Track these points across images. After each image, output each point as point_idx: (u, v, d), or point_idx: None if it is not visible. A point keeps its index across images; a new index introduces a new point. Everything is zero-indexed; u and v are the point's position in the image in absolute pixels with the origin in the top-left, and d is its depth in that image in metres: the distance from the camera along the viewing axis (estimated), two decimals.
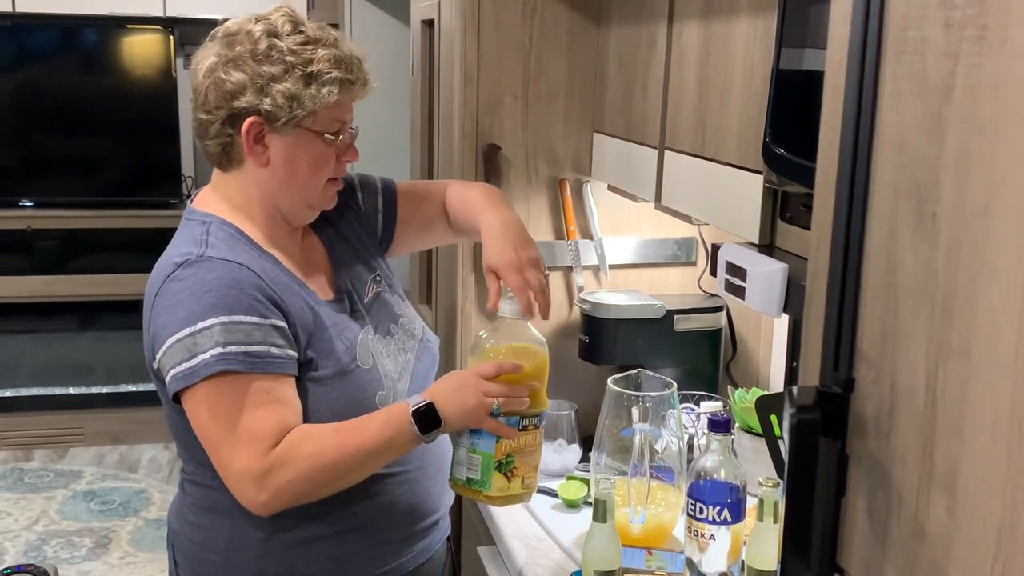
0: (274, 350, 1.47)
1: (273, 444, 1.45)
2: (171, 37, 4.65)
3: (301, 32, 1.54)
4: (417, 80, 2.86)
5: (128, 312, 4.75)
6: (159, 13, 4.58)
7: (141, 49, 4.69)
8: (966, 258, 0.63)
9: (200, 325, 1.43)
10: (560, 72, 2.27)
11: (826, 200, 0.77)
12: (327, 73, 1.52)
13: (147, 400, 4.75)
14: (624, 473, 1.85)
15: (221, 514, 1.58)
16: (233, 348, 1.43)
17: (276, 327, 1.48)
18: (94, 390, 4.80)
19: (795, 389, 0.76)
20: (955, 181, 0.64)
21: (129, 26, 4.64)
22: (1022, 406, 0.59)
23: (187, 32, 4.88)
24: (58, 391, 4.76)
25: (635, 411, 1.84)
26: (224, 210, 1.57)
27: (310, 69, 1.51)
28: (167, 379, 1.47)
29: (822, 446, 0.75)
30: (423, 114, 2.84)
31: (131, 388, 4.81)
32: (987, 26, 0.61)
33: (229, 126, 1.53)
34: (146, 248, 4.69)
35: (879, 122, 0.71)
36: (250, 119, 1.51)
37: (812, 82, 1.32)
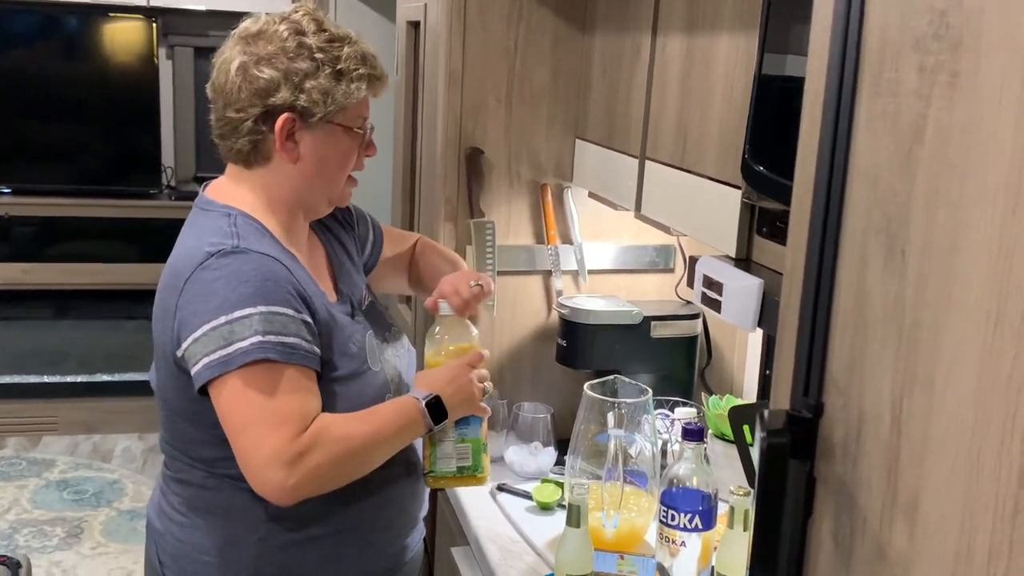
0: (305, 344, 1.49)
1: (303, 428, 1.46)
2: (154, 25, 4.64)
3: (325, 31, 1.57)
4: (401, 81, 2.87)
5: (105, 301, 4.75)
6: (142, 2, 4.57)
7: (123, 37, 4.68)
8: (933, 294, 0.66)
9: (238, 314, 1.44)
10: (544, 77, 2.29)
11: (800, 229, 0.79)
12: (355, 69, 1.56)
13: (122, 390, 4.75)
14: (598, 477, 1.88)
15: (215, 514, 1.58)
16: (272, 338, 1.44)
17: (306, 323, 1.50)
18: (69, 379, 4.78)
19: (766, 412, 0.78)
20: (924, 219, 0.67)
21: (111, 14, 4.62)
22: (981, 440, 0.61)
23: (170, 22, 4.87)
24: (33, 379, 4.74)
25: (610, 417, 1.86)
26: (246, 204, 1.58)
27: (339, 66, 1.55)
28: (197, 366, 1.45)
29: (791, 468, 0.77)
30: (407, 115, 2.85)
31: (106, 377, 4.80)
32: (958, 72, 0.64)
33: (262, 123, 1.54)
34: (125, 237, 4.70)
35: (853, 157, 0.74)
36: (284, 116, 1.53)
37: (793, 90, 1.34)
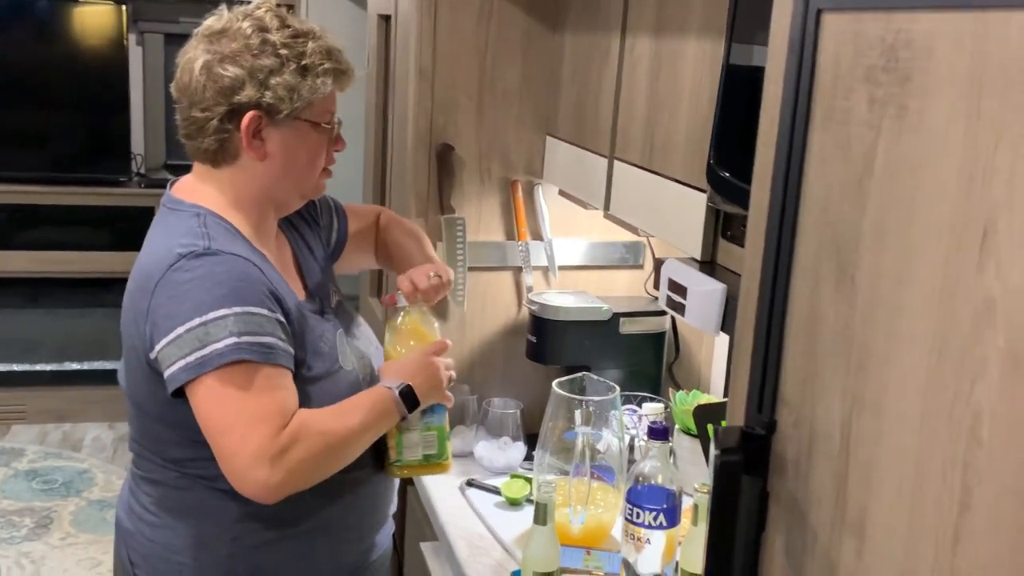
0: (281, 343, 1.49)
1: (283, 425, 1.46)
2: (124, 11, 4.60)
3: (289, 26, 1.57)
4: (372, 75, 2.87)
5: (76, 289, 4.72)
6: None
7: (93, 22, 4.63)
8: (880, 322, 0.68)
9: (212, 315, 1.43)
10: (515, 75, 2.30)
11: (756, 250, 0.81)
12: (320, 64, 1.56)
13: (92, 378, 4.73)
14: (567, 472, 1.90)
15: (187, 514, 1.58)
16: (247, 338, 1.44)
17: (280, 322, 1.50)
18: (39, 367, 4.75)
19: (720, 430, 0.80)
20: (873, 248, 0.69)
21: (81, 0, 4.58)
22: (925, 468, 0.63)
23: (140, 8, 4.83)
24: (2, 368, 4.71)
25: (578, 414, 1.88)
26: (214, 203, 1.58)
27: (304, 62, 1.54)
28: (172, 368, 1.45)
29: (744, 484, 0.79)
30: (378, 108, 2.85)
31: (76, 366, 4.77)
32: (907, 107, 0.66)
33: (227, 122, 1.54)
34: (95, 225, 4.67)
35: (806, 183, 0.75)
36: (250, 113, 1.53)
37: (760, 83, 1.35)
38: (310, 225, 1.81)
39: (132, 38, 4.82)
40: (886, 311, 0.67)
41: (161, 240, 1.54)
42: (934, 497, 0.63)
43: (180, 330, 1.44)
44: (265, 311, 1.48)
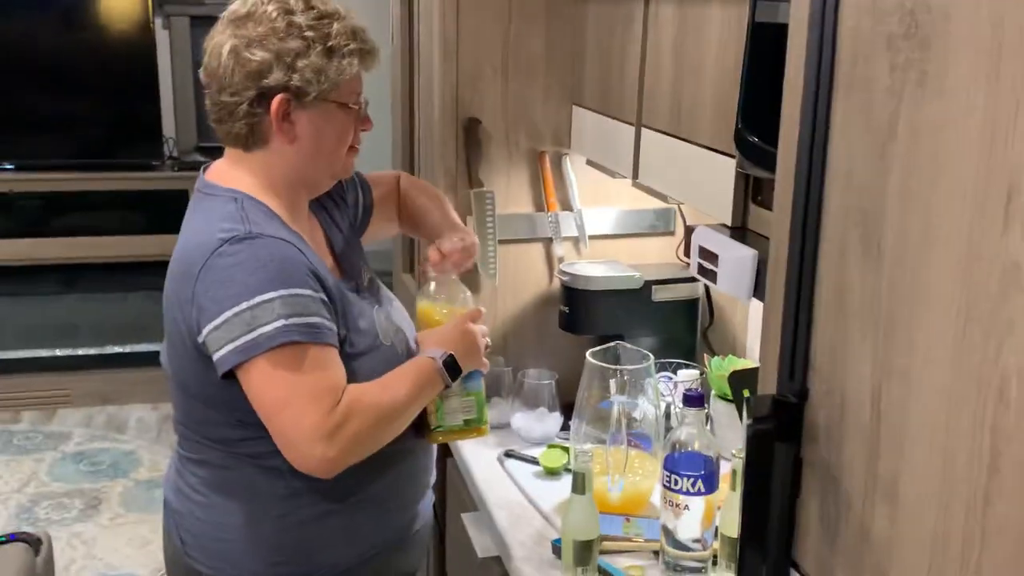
0: (327, 322, 1.52)
1: (336, 401, 1.50)
2: None
3: (313, 8, 1.57)
4: (397, 50, 2.87)
5: (113, 273, 4.79)
6: None
7: (119, 5, 4.66)
8: (907, 287, 0.68)
9: (259, 299, 1.46)
10: (539, 45, 2.29)
11: (783, 220, 0.81)
12: (346, 45, 1.57)
13: (134, 361, 4.80)
14: (603, 441, 1.91)
15: (235, 493, 1.62)
16: (295, 320, 1.47)
17: (323, 301, 1.53)
18: (80, 352, 4.83)
19: (752, 399, 0.81)
20: (898, 214, 0.69)
21: None
22: (954, 432, 0.64)
23: None
24: (44, 353, 4.79)
25: (613, 383, 1.89)
26: (249, 186, 1.59)
27: (330, 43, 1.55)
28: (221, 351, 1.47)
29: (778, 450, 0.80)
30: (404, 85, 2.86)
31: (117, 349, 4.85)
32: (928, 72, 0.65)
33: (257, 106, 1.55)
34: (129, 209, 4.72)
35: (831, 152, 0.75)
36: (279, 97, 1.54)
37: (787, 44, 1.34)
38: (337, 204, 1.83)
39: (158, 22, 4.84)
40: (912, 277, 0.67)
41: (201, 226, 1.55)
42: (964, 461, 0.63)
43: (227, 314, 1.46)
44: (309, 291, 1.50)
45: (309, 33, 1.54)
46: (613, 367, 1.91)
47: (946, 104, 0.64)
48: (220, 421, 1.58)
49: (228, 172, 1.63)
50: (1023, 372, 0.58)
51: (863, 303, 0.73)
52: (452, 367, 1.66)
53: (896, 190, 0.69)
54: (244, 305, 1.46)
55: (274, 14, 1.54)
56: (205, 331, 1.48)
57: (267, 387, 1.48)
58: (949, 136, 0.64)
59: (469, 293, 1.85)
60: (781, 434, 0.80)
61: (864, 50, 0.72)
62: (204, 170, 1.67)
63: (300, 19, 1.55)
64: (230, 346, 1.47)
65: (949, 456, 0.64)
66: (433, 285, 1.83)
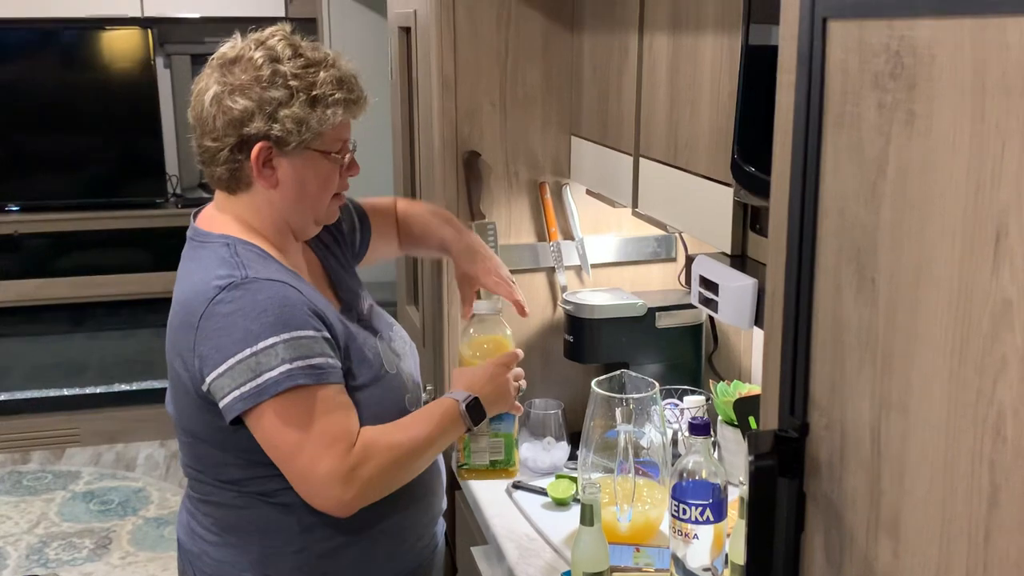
0: (331, 361, 1.53)
1: (351, 444, 1.51)
2: (150, 35, 4.67)
3: (301, 55, 1.57)
4: (396, 85, 2.89)
5: (119, 311, 4.81)
6: (136, 14, 4.59)
7: (120, 45, 4.70)
8: (902, 322, 0.69)
9: (261, 344, 1.46)
10: (536, 77, 2.31)
11: (778, 256, 0.82)
12: (331, 95, 1.57)
13: (141, 398, 4.81)
14: (611, 470, 1.91)
15: (249, 532, 1.62)
16: (299, 363, 1.48)
17: (327, 339, 1.54)
18: (88, 390, 4.84)
19: (753, 435, 0.81)
20: (891, 251, 0.70)
21: (107, 27, 4.65)
22: (953, 467, 0.64)
23: (165, 30, 4.90)
24: (52, 392, 4.80)
25: (619, 413, 1.90)
26: (237, 230, 1.60)
27: (314, 92, 1.55)
28: (227, 399, 1.48)
29: (781, 486, 0.80)
30: (403, 119, 2.88)
31: (124, 387, 4.86)
32: (915, 112, 0.66)
33: (238, 152, 1.56)
34: (135, 247, 4.75)
35: (823, 188, 0.76)
36: (259, 144, 1.55)
37: None
38: (334, 236, 1.84)
39: (160, 61, 4.89)
40: (907, 313, 0.68)
41: (196, 274, 1.56)
42: (963, 495, 0.64)
43: (231, 361, 1.47)
44: (311, 332, 1.51)
45: (293, 82, 1.54)
46: (619, 396, 1.91)
47: (933, 144, 0.65)
48: (228, 462, 1.59)
49: (217, 217, 1.64)
50: (1018, 408, 0.59)
51: (860, 338, 0.74)
52: (476, 410, 1.68)
53: (888, 227, 0.70)
54: (248, 352, 1.46)
55: (260, 61, 1.55)
56: (209, 379, 1.49)
57: (278, 433, 1.49)
58: (937, 176, 0.65)
59: (510, 331, 1.92)
60: (784, 469, 0.80)
61: (853, 88, 0.73)
62: (195, 216, 1.68)
63: (286, 67, 1.55)
64: (235, 393, 1.47)
65: (949, 490, 0.65)
66: (473, 325, 1.90)
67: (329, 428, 1.49)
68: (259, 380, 1.46)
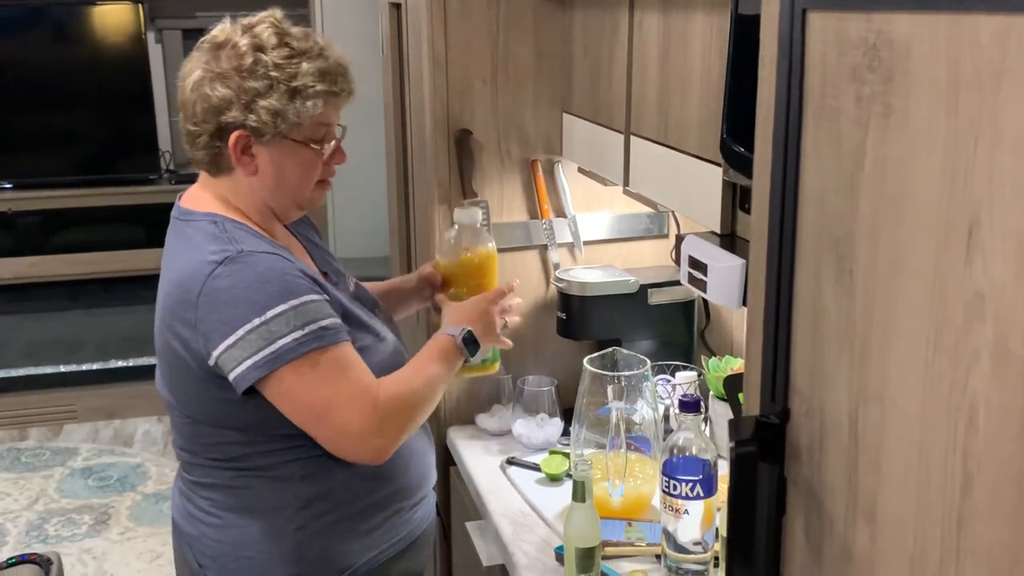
0: (337, 321, 1.56)
1: (375, 397, 1.56)
2: (141, 9, 4.64)
3: (287, 44, 1.57)
4: (387, 62, 2.88)
5: (115, 287, 4.81)
6: None
7: (111, 21, 4.68)
8: (879, 313, 0.70)
9: (270, 313, 1.48)
10: (527, 55, 2.31)
11: (760, 246, 0.83)
12: (311, 87, 1.57)
13: (138, 375, 4.83)
14: (603, 446, 1.93)
15: (249, 510, 1.63)
16: (311, 327, 1.51)
17: (328, 302, 1.57)
18: (85, 367, 4.86)
19: (734, 421, 0.82)
20: (868, 242, 0.71)
21: (98, 3, 4.63)
22: (928, 455, 0.66)
23: (156, 5, 4.87)
24: (49, 369, 4.82)
25: (610, 390, 1.91)
26: (222, 208, 1.61)
27: (295, 84, 1.55)
28: (240, 367, 1.49)
29: (762, 470, 0.82)
30: (395, 97, 2.87)
31: (121, 363, 4.88)
32: (892, 105, 0.67)
33: (217, 138, 1.57)
34: (129, 223, 4.75)
35: (803, 179, 0.77)
36: (236, 133, 1.55)
37: None
38: (307, 223, 1.87)
39: (151, 36, 4.86)
40: (883, 305, 0.69)
41: (188, 253, 1.57)
42: (938, 483, 0.65)
43: (241, 332, 1.48)
44: (315, 296, 1.54)
45: (274, 73, 1.55)
46: (610, 373, 1.93)
47: (909, 137, 0.66)
48: (227, 440, 1.60)
49: (201, 196, 1.65)
50: (990, 400, 0.60)
51: (838, 327, 0.75)
52: (471, 341, 1.74)
53: (866, 219, 0.71)
54: (257, 321, 1.48)
55: (244, 48, 1.55)
56: (216, 352, 1.50)
57: (302, 396, 1.52)
58: (913, 169, 0.66)
59: (493, 242, 1.97)
60: (765, 454, 0.82)
61: (832, 80, 0.73)
62: (179, 197, 1.69)
63: (268, 57, 1.55)
64: (249, 361, 1.49)
65: (924, 478, 0.66)
66: (455, 232, 1.95)
67: (351, 386, 1.54)
68: (274, 346, 1.49)
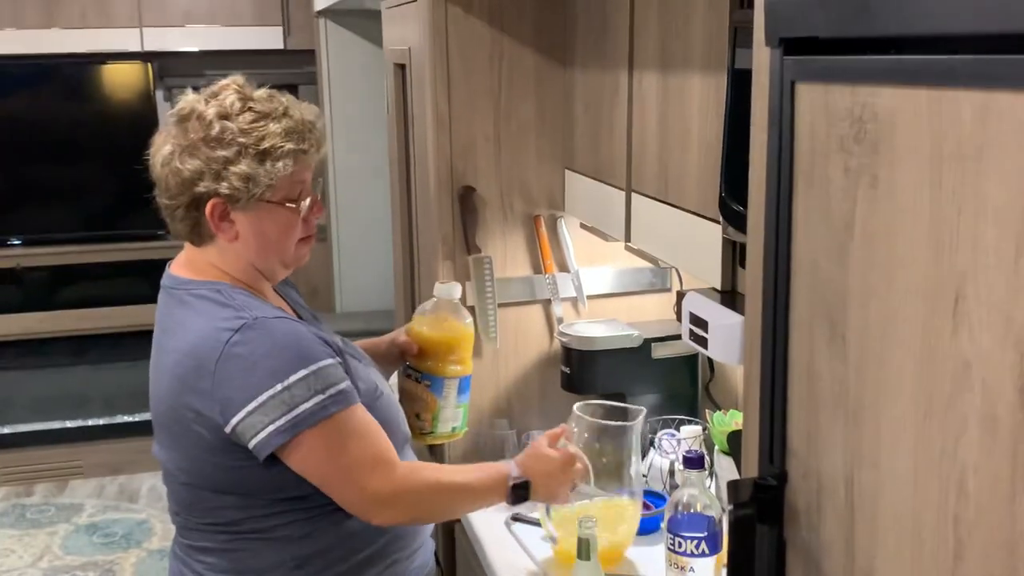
0: (350, 384, 1.57)
1: (395, 464, 1.58)
2: (150, 67, 4.71)
3: (251, 108, 1.58)
4: (393, 121, 2.92)
5: (122, 343, 4.82)
6: (137, 48, 4.64)
7: (121, 79, 4.74)
8: (871, 379, 0.71)
9: (292, 379, 1.50)
10: (530, 112, 2.34)
11: (755, 311, 0.84)
12: (280, 147, 1.57)
13: (144, 430, 4.77)
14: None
15: (248, 573, 1.63)
16: (331, 391, 1.52)
17: (340, 364, 1.58)
18: (91, 422, 4.85)
19: (733, 484, 0.83)
20: (859, 309, 0.72)
21: (108, 61, 4.70)
22: (922, 518, 0.66)
23: (165, 64, 4.94)
24: (55, 425, 4.81)
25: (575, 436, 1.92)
26: (216, 276, 1.62)
27: (263, 146, 1.56)
28: (261, 435, 1.50)
29: (760, 533, 0.82)
30: (400, 154, 2.90)
31: (127, 419, 4.87)
32: (878, 176, 0.69)
33: (194, 209, 1.58)
34: (136, 278, 4.77)
35: (795, 246, 0.79)
36: (212, 201, 1.56)
37: None
38: (290, 285, 1.88)
39: (159, 94, 4.92)
40: (874, 371, 0.70)
41: (197, 323, 1.57)
42: (931, 549, 0.65)
43: (262, 398, 1.49)
44: (330, 360, 1.55)
45: (242, 139, 1.55)
46: (601, 422, 1.94)
47: (896, 208, 0.67)
48: (225, 505, 1.60)
49: (193, 265, 1.65)
50: (979, 467, 0.61)
51: (832, 391, 0.76)
52: (521, 490, 1.70)
53: (856, 286, 0.72)
54: (279, 387, 1.49)
55: (210, 117, 1.56)
56: (236, 419, 1.50)
57: (323, 459, 1.54)
58: (900, 239, 0.67)
59: (470, 319, 1.95)
60: (763, 516, 0.82)
61: (821, 150, 0.75)
62: (168, 266, 1.70)
63: (234, 124, 1.56)
64: (272, 427, 1.50)
65: (917, 544, 0.67)
66: (433, 304, 1.94)
67: (369, 450, 1.56)
68: (295, 412, 1.50)
